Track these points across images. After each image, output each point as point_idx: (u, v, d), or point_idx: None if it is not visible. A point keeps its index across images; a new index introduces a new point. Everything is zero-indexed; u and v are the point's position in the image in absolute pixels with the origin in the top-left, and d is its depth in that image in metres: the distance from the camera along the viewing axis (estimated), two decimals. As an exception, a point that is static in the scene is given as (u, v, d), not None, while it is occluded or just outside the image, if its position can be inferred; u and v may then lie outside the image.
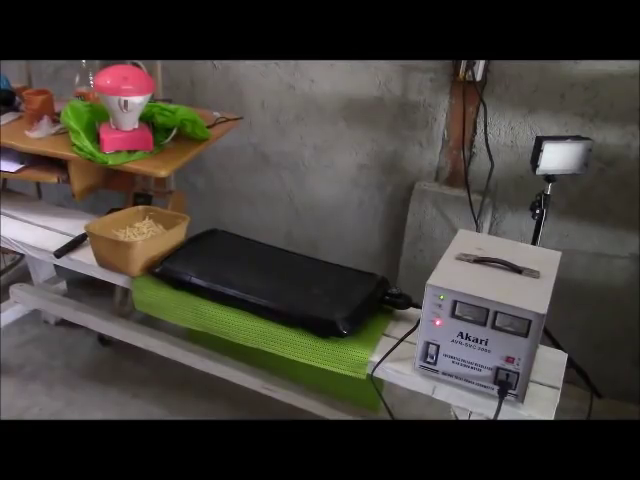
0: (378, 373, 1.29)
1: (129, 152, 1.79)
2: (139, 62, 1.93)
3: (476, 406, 1.20)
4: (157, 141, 1.85)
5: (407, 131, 2.14)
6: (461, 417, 1.23)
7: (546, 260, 1.28)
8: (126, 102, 1.72)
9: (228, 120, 2.09)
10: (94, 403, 2.02)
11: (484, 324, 1.13)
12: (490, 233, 2.12)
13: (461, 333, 1.16)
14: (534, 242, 1.76)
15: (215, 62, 2.31)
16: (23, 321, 2.26)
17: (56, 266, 2.15)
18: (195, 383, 2.07)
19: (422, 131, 2.11)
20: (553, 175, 1.68)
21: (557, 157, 1.64)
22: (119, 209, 1.74)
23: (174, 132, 1.87)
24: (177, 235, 1.62)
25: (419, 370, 1.23)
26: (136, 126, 1.82)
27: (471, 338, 1.15)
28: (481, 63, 1.91)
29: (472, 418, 1.22)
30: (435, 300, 1.16)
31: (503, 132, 2.00)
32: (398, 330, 1.39)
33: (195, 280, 1.47)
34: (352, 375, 1.32)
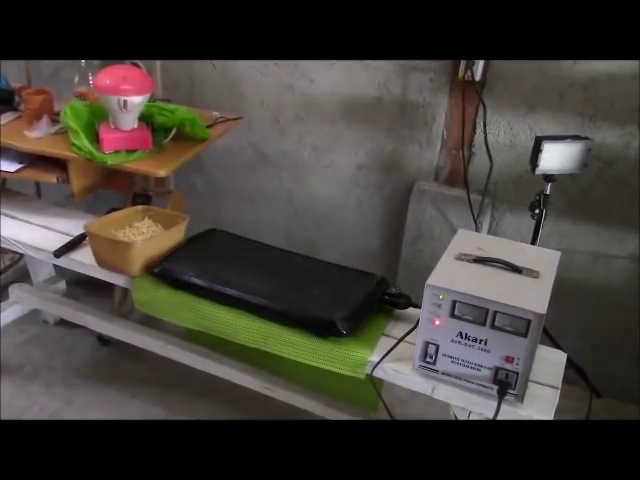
0: (377, 373, 1.29)
1: (128, 152, 1.79)
2: (138, 62, 1.93)
3: (475, 406, 1.20)
4: (156, 141, 1.85)
5: (406, 131, 2.14)
6: (460, 417, 1.23)
7: (545, 260, 1.28)
8: (125, 102, 1.72)
9: (227, 120, 2.09)
10: (93, 403, 2.02)
11: (483, 324, 1.13)
12: (489, 233, 2.13)
13: (460, 333, 1.16)
14: (533, 242, 1.76)
15: (214, 62, 2.31)
16: (22, 321, 2.26)
17: (55, 266, 2.15)
18: (194, 383, 2.07)
19: (421, 131, 2.11)
20: (552, 175, 1.68)
21: (556, 157, 1.64)
22: (118, 209, 1.74)
23: (173, 132, 1.87)
24: (176, 235, 1.62)
25: (418, 370, 1.24)
26: (135, 126, 1.82)
27: (470, 338, 1.15)
28: (480, 63, 1.91)
29: (471, 418, 1.22)
30: (434, 300, 1.16)
31: (502, 132, 2.00)
32: (397, 330, 1.39)
33: (195, 280, 1.47)
34: (351, 375, 1.32)
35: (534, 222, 1.75)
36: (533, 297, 1.13)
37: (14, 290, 2.15)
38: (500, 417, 1.13)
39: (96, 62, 1.99)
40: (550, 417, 1.16)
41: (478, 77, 1.93)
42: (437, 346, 1.19)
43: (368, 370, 1.30)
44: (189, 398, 2.04)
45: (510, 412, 1.16)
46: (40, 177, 1.91)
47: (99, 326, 1.99)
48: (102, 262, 1.57)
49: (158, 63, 2.17)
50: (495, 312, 1.11)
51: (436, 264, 1.24)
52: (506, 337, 1.12)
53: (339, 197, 2.34)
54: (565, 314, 2.06)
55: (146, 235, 1.62)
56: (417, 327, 1.22)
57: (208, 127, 1.96)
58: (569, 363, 1.35)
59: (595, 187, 1.94)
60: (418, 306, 1.26)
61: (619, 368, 2.10)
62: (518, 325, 1.11)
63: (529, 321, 1.09)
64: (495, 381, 1.16)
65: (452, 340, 1.17)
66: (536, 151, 1.64)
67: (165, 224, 1.65)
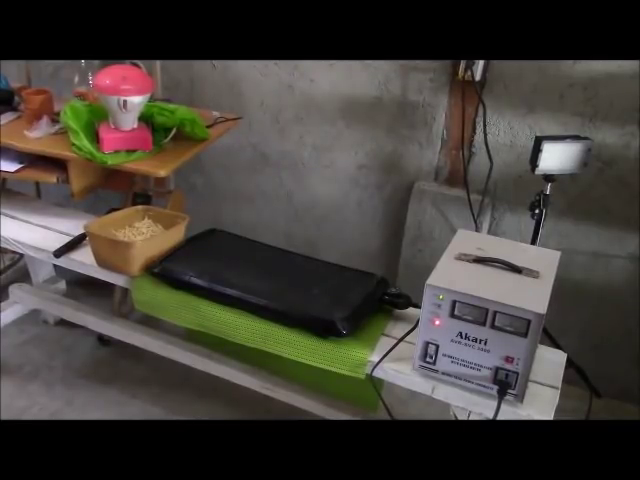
0: (377, 373, 1.29)
1: (128, 152, 1.79)
2: (138, 62, 1.93)
3: (475, 406, 1.20)
4: (156, 141, 1.85)
5: (406, 131, 2.14)
6: (460, 417, 1.23)
7: (545, 260, 1.28)
8: (125, 102, 1.72)
9: (227, 120, 2.09)
10: (93, 403, 2.02)
11: (483, 324, 1.13)
12: (489, 233, 2.13)
13: (460, 333, 1.16)
14: (533, 242, 1.76)
15: (214, 62, 2.31)
16: (22, 321, 2.26)
17: (55, 266, 2.15)
18: (194, 383, 2.07)
19: (421, 131, 2.11)
20: (552, 175, 1.68)
21: (556, 157, 1.64)
22: (118, 209, 1.74)
23: (173, 132, 1.87)
24: (176, 235, 1.62)
25: (418, 370, 1.24)
26: (135, 126, 1.82)
27: (470, 338, 1.15)
28: (480, 63, 1.91)
29: (471, 418, 1.22)
30: (434, 300, 1.16)
31: (502, 132, 2.00)
32: (397, 330, 1.39)
33: (194, 280, 1.47)
34: (351, 375, 1.32)
35: (534, 222, 1.75)
36: (533, 297, 1.13)
37: (14, 290, 2.15)
38: (500, 417, 1.13)
39: (96, 62, 1.99)
40: (550, 417, 1.16)
41: (478, 77, 1.93)
42: (437, 346, 1.19)
43: (368, 370, 1.30)
44: (189, 398, 2.04)
45: (510, 412, 1.16)
46: (40, 177, 1.91)
47: (99, 326, 1.99)
48: (102, 262, 1.57)
49: (158, 63, 2.17)
50: (495, 312, 1.11)
51: (436, 264, 1.24)
52: (506, 337, 1.12)
53: (339, 197, 2.34)
54: (565, 314, 2.06)
55: (146, 235, 1.62)
56: (417, 327, 1.22)
57: (208, 127, 1.96)
58: (569, 363, 1.35)
59: (595, 187, 1.94)
60: (418, 306, 1.26)
61: (619, 368, 2.10)
62: (518, 325, 1.11)
63: (529, 321, 1.09)
64: (495, 381, 1.16)
65: (452, 340, 1.17)
66: (536, 151, 1.64)
67: (165, 224, 1.65)
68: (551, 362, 1.31)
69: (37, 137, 1.86)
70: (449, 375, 1.20)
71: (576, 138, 1.66)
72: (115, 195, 2.23)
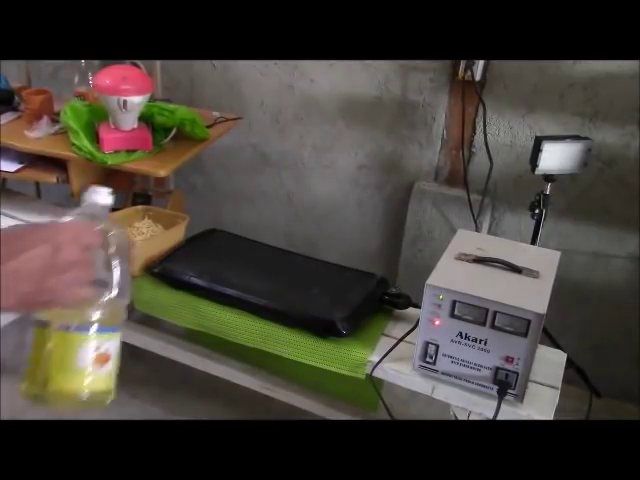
0: (377, 373, 1.29)
1: (128, 152, 1.79)
2: (138, 62, 1.93)
3: (475, 406, 1.20)
4: (156, 141, 1.85)
5: (406, 131, 2.14)
6: (460, 417, 1.23)
7: (545, 260, 1.28)
8: (125, 102, 1.72)
9: (227, 120, 2.09)
10: (93, 403, 2.01)
11: (483, 324, 1.13)
12: (489, 233, 2.13)
13: (460, 333, 1.16)
14: (533, 242, 1.76)
15: (214, 62, 2.31)
16: (22, 321, 2.25)
17: (55, 266, 2.14)
18: (194, 383, 2.07)
19: (421, 131, 2.11)
20: (552, 175, 1.68)
21: (556, 157, 1.64)
22: (118, 209, 1.74)
23: (173, 132, 1.87)
24: (176, 235, 1.62)
25: (418, 370, 1.24)
26: (135, 126, 1.82)
27: (470, 338, 1.15)
28: (480, 63, 1.91)
29: (471, 418, 1.22)
30: (434, 300, 1.16)
31: (502, 132, 2.00)
32: (397, 330, 1.39)
33: (194, 280, 1.47)
34: (351, 375, 1.32)
35: (534, 222, 1.75)
36: (533, 297, 1.13)
37: (14, 290, 2.14)
38: (500, 417, 1.13)
39: (96, 62, 1.99)
40: (550, 417, 1.16)
41: (478, 77, 1.93)
42: (437, 346, 1.19)
43: (368, 370, 1.30)
44: (189, 398, 2.04)
45: (510, 412, 1.16)
46: (40, 177, 1.91)
47: (99, 326, 1.99)
48: (102, 262, 1.57)
49: (158, 63, 2.17)
50: (495, 312, 1.11)
51: (436, 264, 1.24)
52: (506, 337, 1.12)
53: (339, 197, 2.34)
54: (565, 314, 2.06)
55: (146, 235, 1.62)
56: (417, 327, 1.22)
57: (208, 127, 1.96)
58: (569, 363, 1.35)
59: (595, 187, 1.94)
60: (418, 306, 1.26)
61: (619, 368, 2.10)
62: (518, 325, 1.10)
63: (529, 321, 1.09)
64: (495, 381, 1.16)
65: (452, 340, 1.17)
66: (536, 151, 1.63)
67: (165, 224, 1.65)
68: (551, 362, 1.31)
69: (37, 137, 1.86)
70: (449, 375, 1.20)
71: (576, 138, 1.66)
72: (115, 195, 2.23)
